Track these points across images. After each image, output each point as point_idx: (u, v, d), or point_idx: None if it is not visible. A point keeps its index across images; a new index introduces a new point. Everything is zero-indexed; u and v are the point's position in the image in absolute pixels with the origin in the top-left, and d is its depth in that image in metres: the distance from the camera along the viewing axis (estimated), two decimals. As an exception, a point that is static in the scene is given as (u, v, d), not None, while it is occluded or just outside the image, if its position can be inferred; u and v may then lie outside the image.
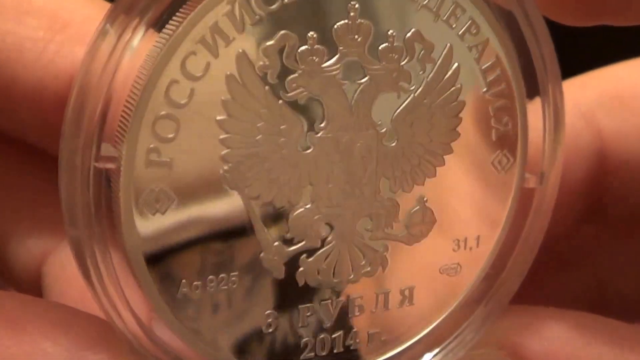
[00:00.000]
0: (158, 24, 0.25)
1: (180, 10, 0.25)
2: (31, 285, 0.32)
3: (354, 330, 0.30)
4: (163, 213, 0.26)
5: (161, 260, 0.26)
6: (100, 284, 0.26)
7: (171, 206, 0.26)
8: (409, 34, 0.28)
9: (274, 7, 0.26)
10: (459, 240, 0.32)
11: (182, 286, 0.27)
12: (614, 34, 0.32)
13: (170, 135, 0.26)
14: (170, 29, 0.25)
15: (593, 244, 0.39)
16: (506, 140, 0.31)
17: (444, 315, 0.32)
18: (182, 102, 0.25)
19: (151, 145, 0.25)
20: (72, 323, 0.27)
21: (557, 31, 0.31)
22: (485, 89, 0.30)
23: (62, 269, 0.30)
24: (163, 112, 0.25)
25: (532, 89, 0.31)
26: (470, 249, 0.32)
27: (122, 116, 0.25)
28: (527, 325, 0.32)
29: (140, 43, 0.25)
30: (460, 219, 0.31)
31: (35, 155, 0.30)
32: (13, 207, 0.31)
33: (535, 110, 0.32)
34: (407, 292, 0.31)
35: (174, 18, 0.25)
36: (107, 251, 0.26)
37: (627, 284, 0.39)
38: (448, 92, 0.30)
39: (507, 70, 0.31)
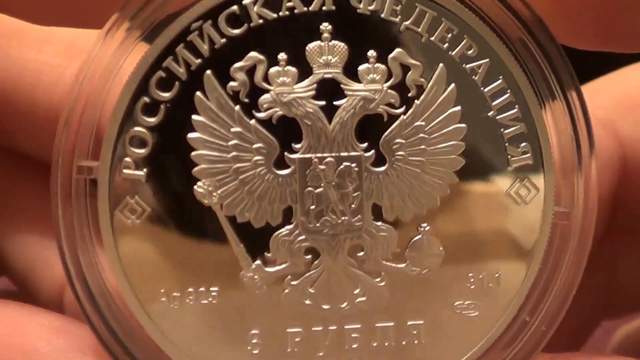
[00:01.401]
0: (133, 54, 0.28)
1: (149, 36, 0.28)
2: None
3: (352, 364, 0.29)
4: (139, 222, 0.28)
5: (140, 268, 0.28)
6: (83, 288, 0.28)
7: (147, 216, 0.28)
8: (391, 55, 0.28)
9: (240, 30, 0.28)
10: (474, 277, 0.29)
11: (160, 295, 0.28)
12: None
13: (143, 151, 0.28)
14: (140, 54, 0.28)
15: (610, 249, 0.36)
16: (526, 169, 0.29)
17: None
18: (153, 121, 0.28)
19: (126, 159, 0.28)
20: (69, 330, 0.29)
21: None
22: (492, 113, 0.29)
23: None
24: (135, 130, 0.28)
25: (555, 117, 0.29)
26: (490, 287, 0.29)
27: (100, 134, 0.28)
28: None
29: (115, 70, 0.28)
30: (473, 253, 0.29)
31: None
32: (38, 236, 0.34)
33: (561, 135, 0.29)
34: (414, 329, 0.29)
35: (142, 42, 0.27)
36: (88, 258, 0.28)
37: (638, 282, 0.36)
38: (445, 115, 0.29)
39: (519, 94, 0.29)
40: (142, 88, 0.28)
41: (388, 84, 0.28)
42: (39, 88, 0.32)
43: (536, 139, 0.29)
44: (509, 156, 0.29)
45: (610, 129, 0.33)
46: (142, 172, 0.28)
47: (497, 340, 0.30)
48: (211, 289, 0.28)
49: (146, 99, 0.28)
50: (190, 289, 0.28)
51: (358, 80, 0.28)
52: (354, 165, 0.29)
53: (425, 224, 0.29)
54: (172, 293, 0.28)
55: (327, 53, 0.28)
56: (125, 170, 0.28)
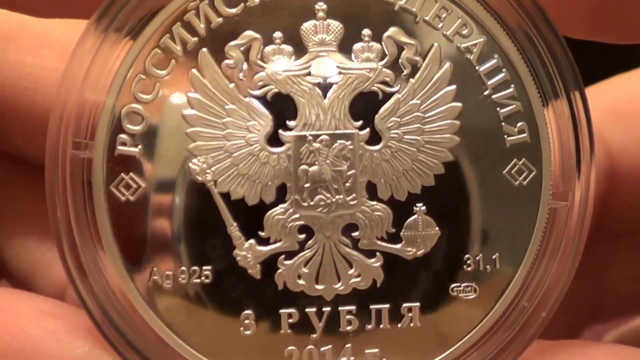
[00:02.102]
0: (130, 32, 0.28)
1: (147, 14, 0.28)
2: None
3: (347, 345, 0.29)
4: (133, 199, 0.28)
5: (133, 245, 0.28)
6: (77, 268, 0.28)
7: (141, 193, 0.28)
8: (386, 34, 0.28)
9: (236, 9, 0.28)
10: (470, 259, 0.29)
11: (153, 274, 0.28)
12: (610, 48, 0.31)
13: (138, 128, 0.28)
14: (137, 32, 0.28)
15: (597, 255, 0.36)
16: (523, 148, 0.29)
17: (457, 344, 0.29)
18: (149, 97, 0.28)
19: (121, 136, 0.28)
20: (58, 313, 0.29)
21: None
22: (487, 92, 0.29)
23: None
24: (131, 107, 0.28)
25: (551, 96, 0.29)
26: (487, 269, 0.29)
27: (96, 110, 0.28)
28: None
29: (112, 47, 0.28)
30: (470, 234, 0.29)
31: None
32: (38, 239, 0.34)
33: (559, 118, 0.29)
34: (410, 312, 0.29)
35: (140, 21, 0.28)
36: (83, 236, 0.28)
37: (627, 286, 0.37)
38: (440, 94, 0.29)
39: (514, 72, 0.29)
40: (139, 65, 0.28)
41: (383, 62, 0.28)
42: (37, 92, 0.32)
43: (532, 118, 0.29)
44: (505, 135, 0.29)
45: (598, 137, 0.33)
46: (137, 149, 0.28)
47: (495, 324, 0.29)
48: (204, 268, 0.28)
49: (142, 76, 0.28)
50: (183, 268, 0.28)
51: (353, 59, 0.29)
52: (348, 143, 0.28)
53: (420, 204, 0.29)
54: (164, 271, 0.28)
55: (322, 32, 0.28)
56: (120, 147, 0.28)
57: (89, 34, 0.28)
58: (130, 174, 0.28)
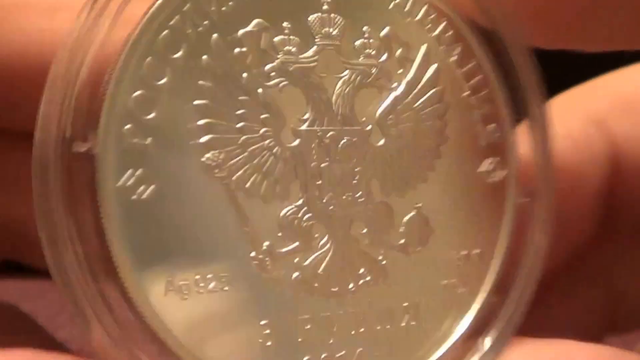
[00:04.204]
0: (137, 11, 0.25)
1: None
2: None
3: (359, 350, 0.28)
4: (143, 198, 0.24)
5: (144, 254, 0.24)
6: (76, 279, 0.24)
7: (152, 191, 0.24)
8: (384, 32, 0.29)
9: None
10: (459, 254, 0.30)
11: (167, 285, 0.25)
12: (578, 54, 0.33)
13: (147, 117, 0.25)
14: (146, 11, 0.25)
15: (606, 255, 0.36)
16: (496, 148, 0.31)
17: (454, 339, 0.29)
18: (158, 82, 0.25)
19: (128, 126, 0.24)
20: None
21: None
22: (468, 92, 0.30)
23: None
24: (139, 92, 0.24)
25: (519, 99, 0.31)
26: (473, 264, 0.30)
27: (99, 98, 0.24)
28: None
29: (119, 28, 0.25)
30: (456, 230, 0.30)
31: None
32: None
33: (527, 120, 0.31)
34: (411, 310, 0.29)
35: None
36: (83, 243, 0.24)
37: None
38: (430, 93, 0.29)
39: (488, 75, 0.30)
40: (149, 47, 0.25)
41: (382, 59, 0.28)
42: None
43: (502, 118, 0.31)
44: (482, 134, 0.30)
45: (604, 130, 0.33)
46: (147, 142, 0.25)
47: (475, 319, 0.30)
48: (221, 274, 0.25)
49: (150, 62, 0.25)
50: (197, 276, 0.25)
51: (355, 55, 0.28)
52: (355, 139, 0.28)
53: (419, 202, 0.29)
54: (179, 282, 0.25)
55: (328, 25, 0.28)
56: (129, 140, 0.24)
57: (91, 13, 0.24)
58: (140, 169, 0.24)
